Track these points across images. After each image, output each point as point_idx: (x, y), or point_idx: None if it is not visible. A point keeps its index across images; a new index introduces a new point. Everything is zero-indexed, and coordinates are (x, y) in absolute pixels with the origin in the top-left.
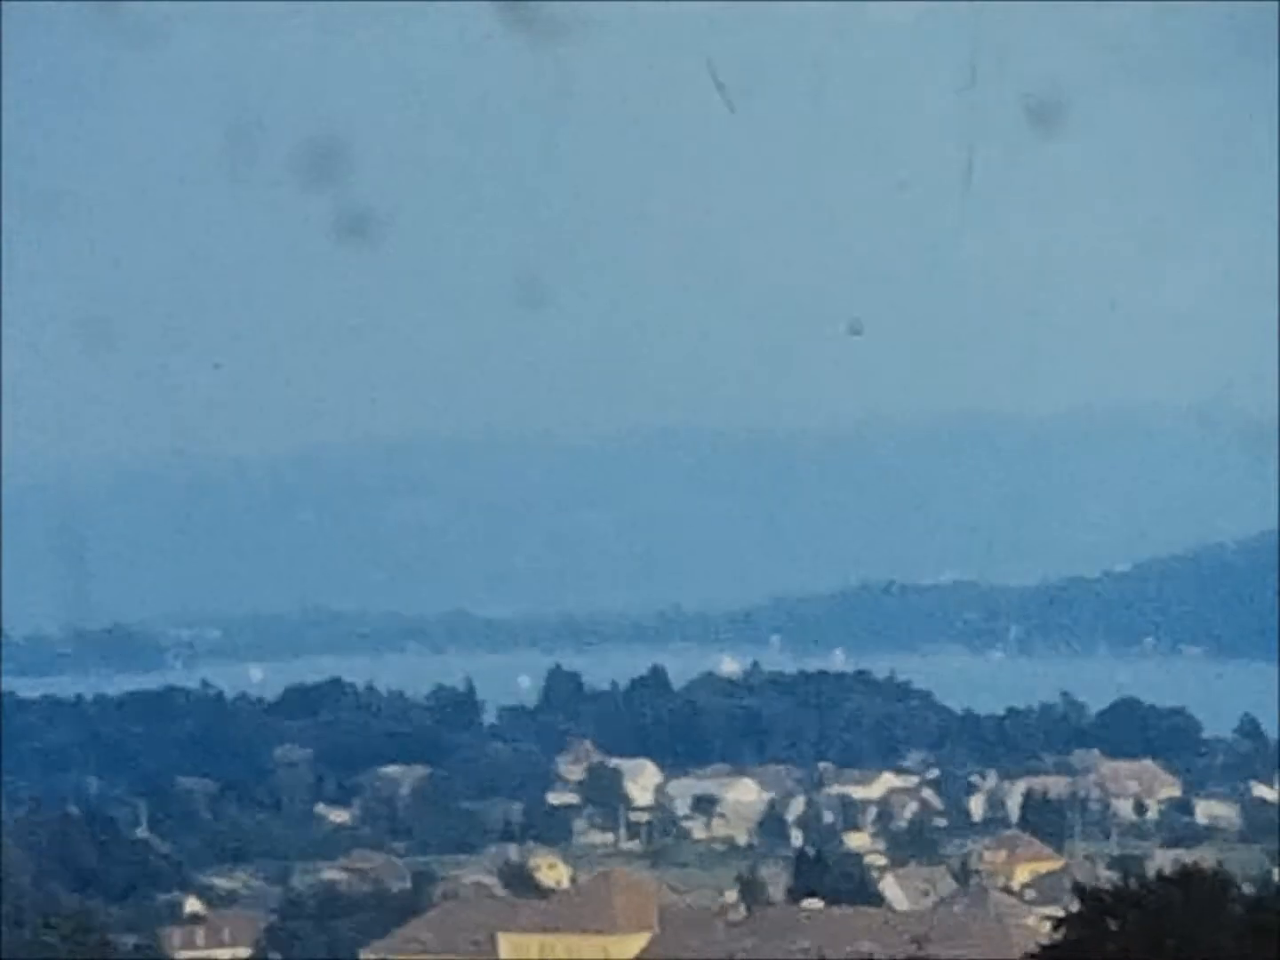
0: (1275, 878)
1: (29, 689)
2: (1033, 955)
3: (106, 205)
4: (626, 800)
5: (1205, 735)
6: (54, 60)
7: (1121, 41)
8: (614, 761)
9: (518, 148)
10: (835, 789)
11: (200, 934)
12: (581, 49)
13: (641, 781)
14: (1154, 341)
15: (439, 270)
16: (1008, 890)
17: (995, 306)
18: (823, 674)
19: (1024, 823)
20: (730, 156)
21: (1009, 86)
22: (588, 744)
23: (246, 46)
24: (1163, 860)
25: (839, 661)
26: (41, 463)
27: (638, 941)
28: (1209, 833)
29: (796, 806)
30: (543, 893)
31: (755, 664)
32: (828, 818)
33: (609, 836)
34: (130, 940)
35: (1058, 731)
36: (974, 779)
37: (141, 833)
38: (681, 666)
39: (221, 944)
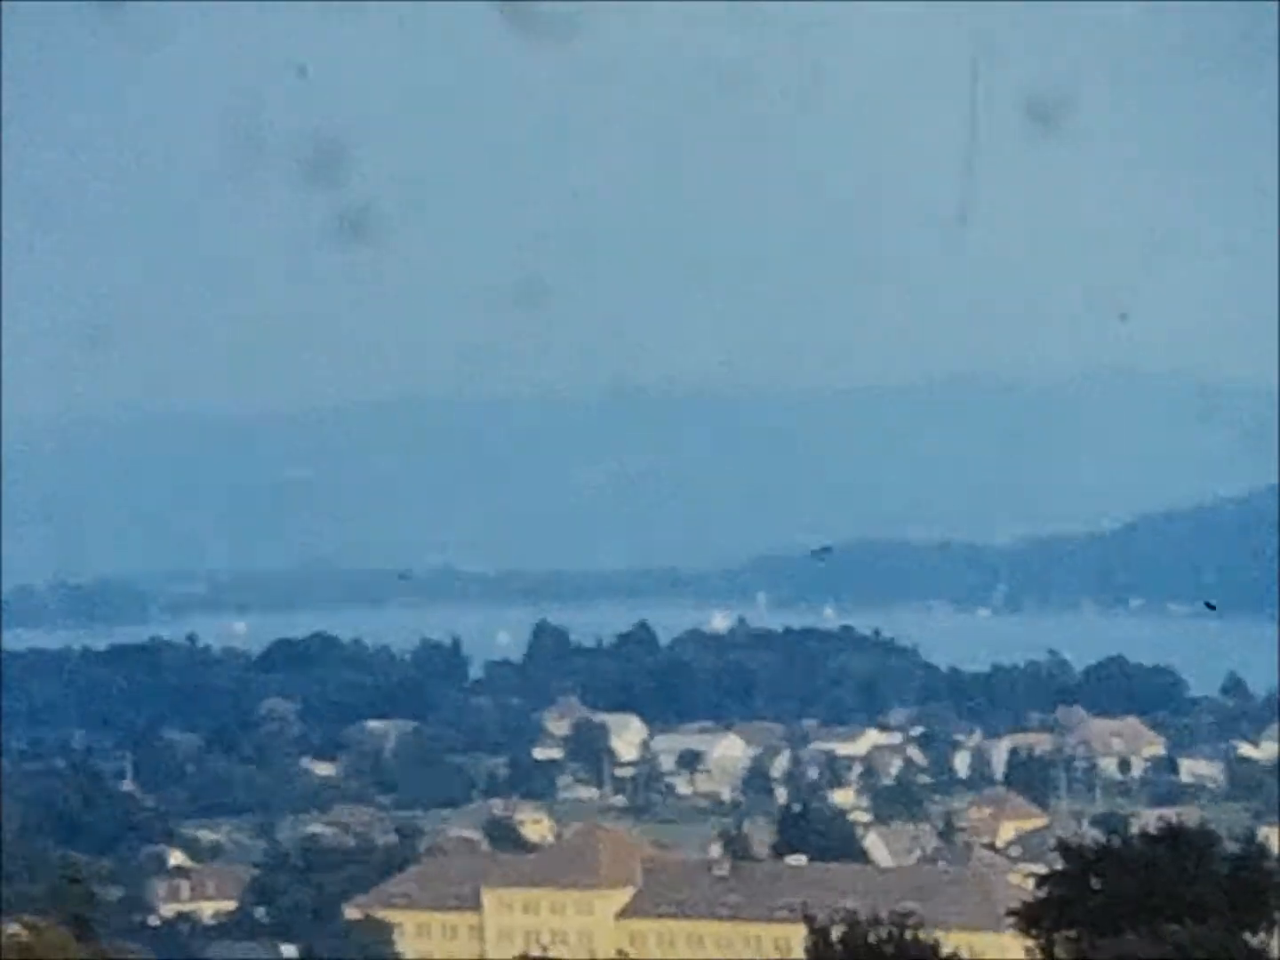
0: (1259, 836)
1: (16, 642)
2: (1016, 911)
3: (107, 205)
4: (611, 756)
5: (1191, 694)
6: (54, 60)
7: (1121, 42)
8: (599, 717)
9: (518, 148)
10: (820, 745)
11: (185, 887)
12: (581, 49)
13: (627, 737)
14: (1155, 326)
15: (439, 270)
16: (992, 847)
17: (993, 284)
18: (809, 631)
19: (1009, 780)
20: (730, 156)
21: (1009, 86)
22: (573, 699)
23: (247, 46)
24: (1147, 818)
25: (826, 619)
26: (34, 419)
27: (622, 896)
28: (1193, 791)
29: (781, 763)
30: (527, 848)
31: (741, 620)
32: (812, 774)
33: (594, 792)
34: (115, 893)
35: (1043, 689)
36: (959, 736)
37: (127, 785)
38: (668, 623)
39: (206, 897)
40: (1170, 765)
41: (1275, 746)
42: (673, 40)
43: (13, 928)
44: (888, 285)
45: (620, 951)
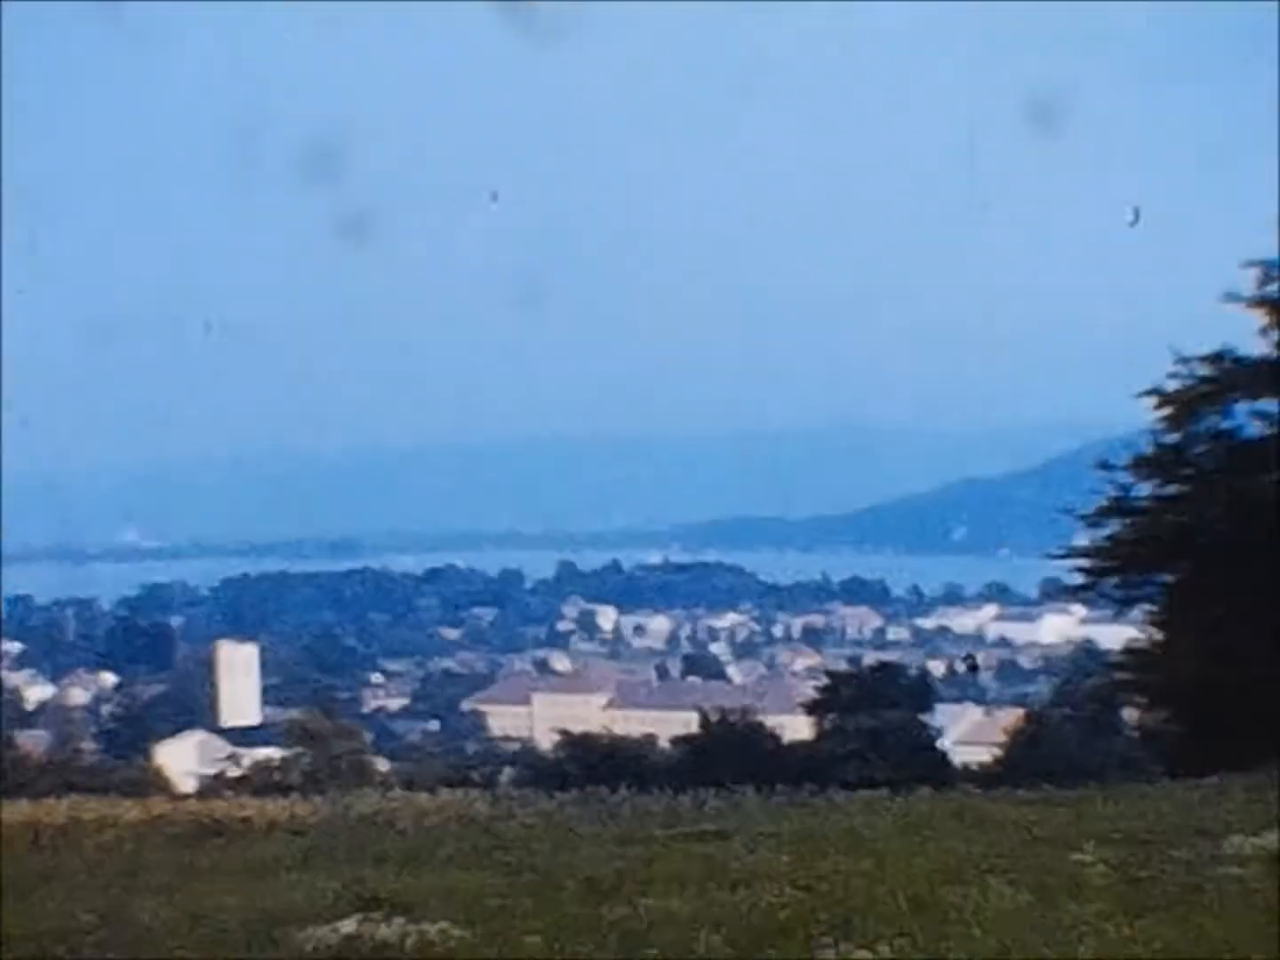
0: (927, 667)
1: (296, 568)
2: (805, 704)
3: (107, 205)
4: (598, 627)
5: (895, 594)
6: (54, 60)
7: (1121, 42)
8: (592, 606)
9: (518, 148)
10: (704, 622)
11: (380, 693)
12: (581, 49)
13: (606, 617)
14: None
15: (439, 270)
16: (793, 674)
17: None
18: (701, 564)
19: (801, 640)
20: (730, 156)
21: (1009, 85)
22: (578, 598)
23: (247, 46)
24: (870, 658)
25: (710, 556)
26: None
27: (604, 698)
28: (894, 645)
29: (685, 630)
30: (555, 673)
31: (666, 558)
32: (701, 636)
33: (590, 645)
34: (345, 695)
35: (817, 593)
36: (776, 616)
37: (350, 642)
38: (629, 559)
39: (391, 698)
40: (883, 632)
41: (936, 622)
42: (673, 41)
43: (294, 713)
44: (888, 286)
45: (604, 727)
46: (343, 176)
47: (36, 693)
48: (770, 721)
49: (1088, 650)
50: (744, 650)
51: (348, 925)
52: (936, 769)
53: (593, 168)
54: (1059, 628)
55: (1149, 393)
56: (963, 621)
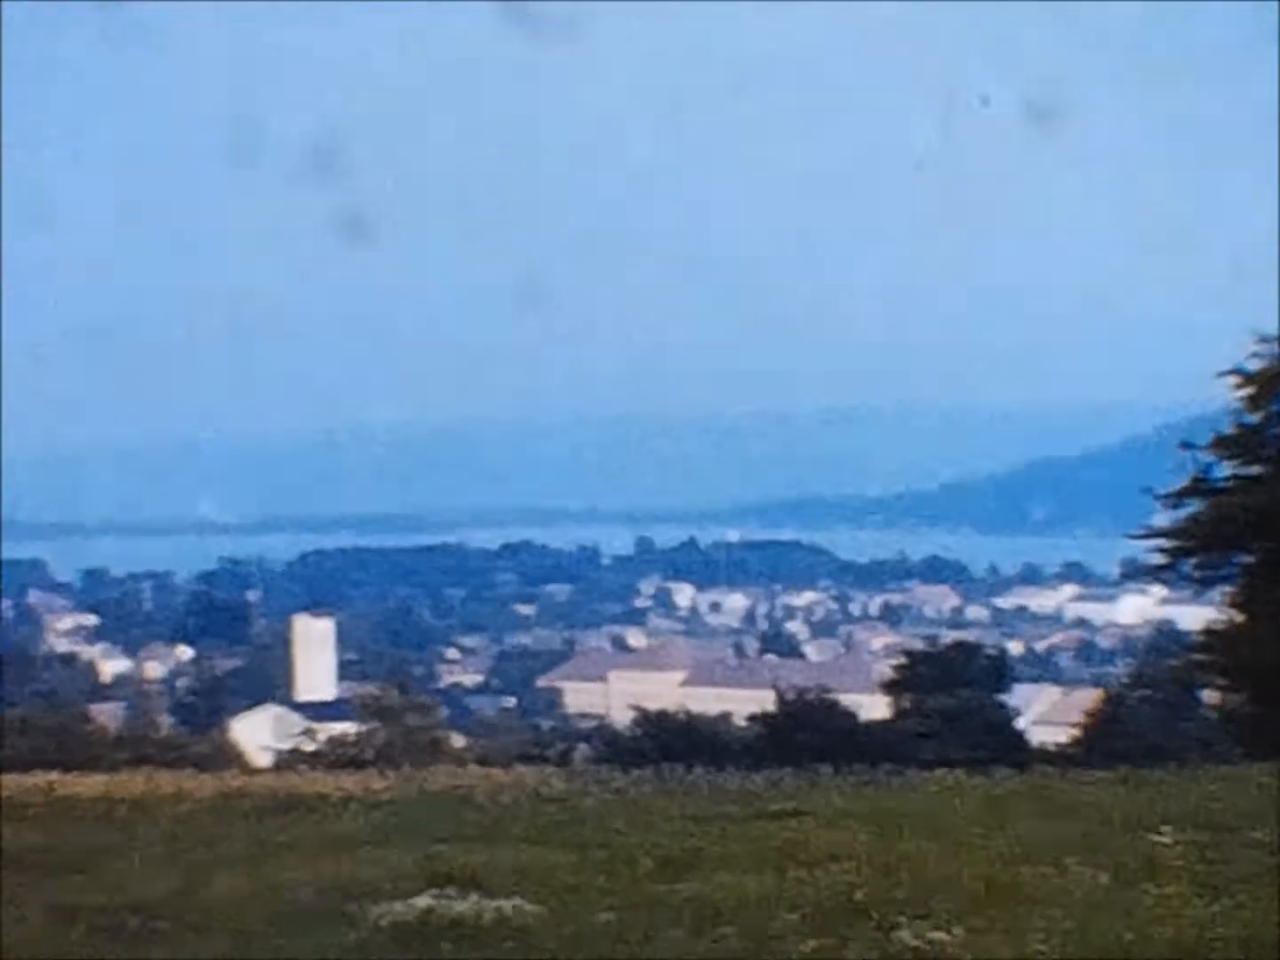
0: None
1: (376, 543)
2: (883, 683)
3: (107, 205)
4: (675, 604)
5: (971, 574)
6: (54, 60)
7: (1121, 42)
8: (669, 583)
9: (517, 147)
10: (781, 599)
11: (455, 668)
12: (581, 49)
13: (683, 594)
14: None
15: (439, 270)
16: (871, 653)
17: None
18: (779, 541)
19: (879, 618)
20: (730, 156)
21: (1010, 85)
22: (656, 574)
23: (247, 46)
24: (948, 636)
25: (787, 534)
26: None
27: (680, 675)
28: (972, 624)
29: (762, 607)
30: (631, 650)
31: (743, 535)
32: (778, 613)
33: (667, 622)
34: (419, 670)
35: (896, 570)
36: (854, 594)
37: (426, 617)
38: (706, 537)
39: (466, 674)
40: (962, 610)
41: (1014, 601)
42: (674, 41)
43: (370, 688)
44: (887, 286)
45: (680, 705)
46: (343, 176)
47: (112, 666)
48: (847, 700)
49: (1166, 631)
50: (821, 628)
51: (422, 900)
52: (1013, 749)
53: (591, 168)
54: (1138, 608)
55: (1230, 372)
56: (1041, 601)
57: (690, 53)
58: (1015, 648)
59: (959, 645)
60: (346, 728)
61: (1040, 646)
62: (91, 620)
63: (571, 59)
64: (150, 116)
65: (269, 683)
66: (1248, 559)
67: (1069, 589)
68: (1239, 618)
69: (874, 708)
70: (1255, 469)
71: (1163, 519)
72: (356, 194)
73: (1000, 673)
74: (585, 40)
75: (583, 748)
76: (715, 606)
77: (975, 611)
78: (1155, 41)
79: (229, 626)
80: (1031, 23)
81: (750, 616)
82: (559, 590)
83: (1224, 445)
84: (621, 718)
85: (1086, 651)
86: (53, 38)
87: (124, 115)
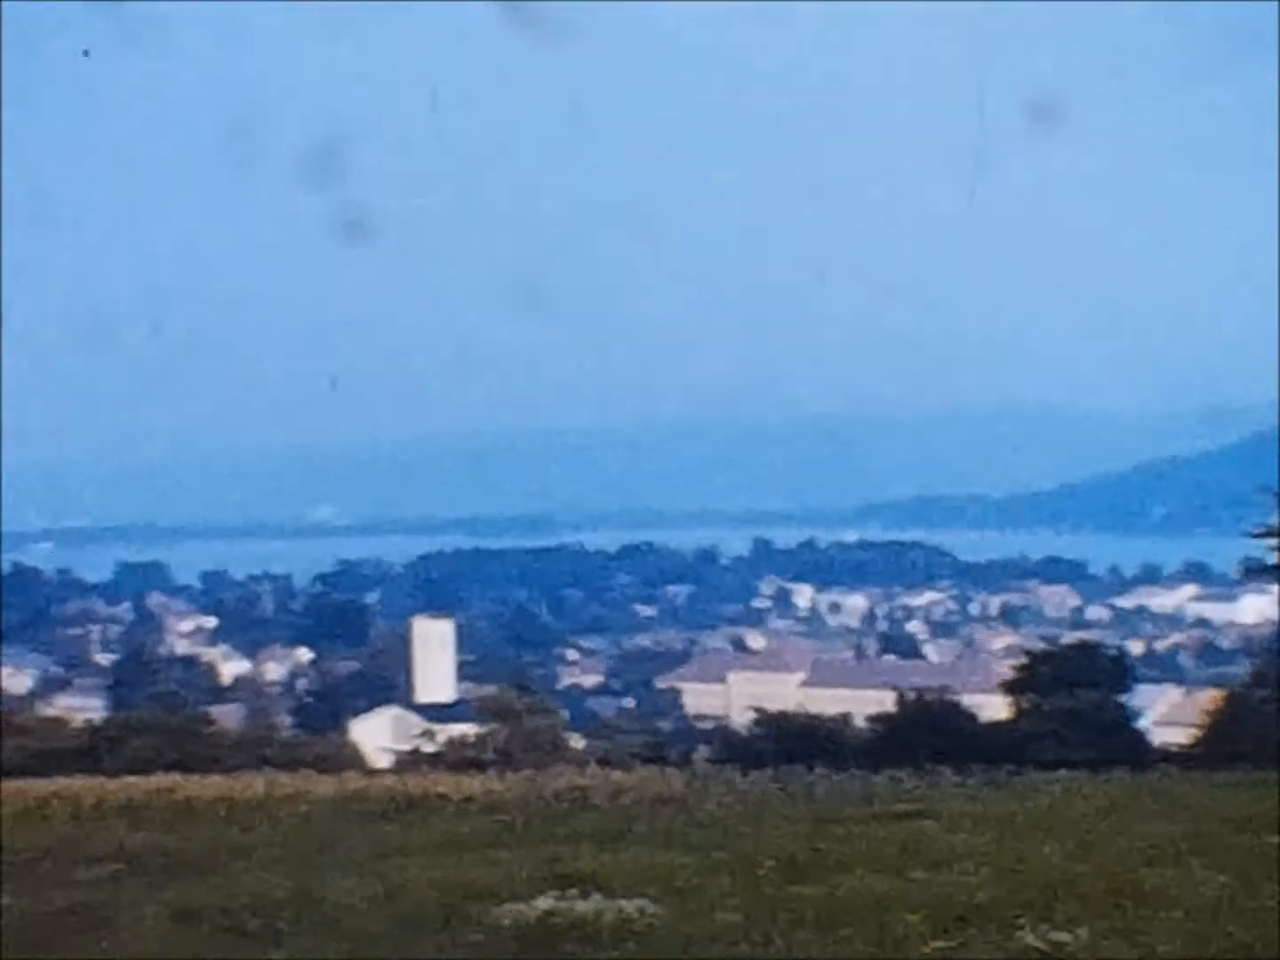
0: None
1: (492, 545)
2: (1003, 683)
3: (107, 205)
4: (794, 605)
5: (1092, 573)
6: (54, 60)
7: (1121, 41)
8: (788, 584)
9: (518, 147)
10: (902, 600)
11: (575, 670)
12: (581, 49)
13: (802, 594)
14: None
15: (439, 270)
16: (991, 653)
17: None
18: (898, 541)
19: (999, 619)
20: (730, 156)
21: (1010, 85)
22: (774, 575)
23: (247, 46)
24: (1069, 637)
25: (907, 534)
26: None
27: (799, 676)
28: (1093, 624)
29: (882, 608)
30: (752, 651)
31: (862, 536)
32: (897, 614)
33: (786, 623)
34: (539, 672)
35: (1014, 570)
36: (973, 594)
37: (545, 617)
38: (825, 538)
39: (586, 674)
40: (1081, 611)
41: (1135, 601)
42: (674, 40)
43: (489, 690)
44: (890, 286)
45: (800, 705)
46: (343, 175)
47: (232, 668)
48: (967, 701)
49: None
50: (941, 629)
51: (544, 902)
52: (1135, 750)
53: (592, 166)
54: (1259, 607)
55: None
56: (1161, 601)
57: (690, 53)
58: (1136, 648)
59: (1079, 645)
60: (466, 729)
61: (1161, 646)
62: (211, 622)
63: (571, 59)
64: (150, 116)
65: (388, 684)
66: None
67: (1189, 588)
68: None
69: (994, 708)
70: None
71: None
72: (356, 194)
73: (1121, 673)
74: (585, 40)
75: (703, 749)
76: (835, 607)
77: (1095, 611)
78: (1155, 41)
79: (348, 628)
80: (1031, 23)
81: (870, 617)
82: (678, 591)
83: None
84: (741, 719)
85: (1207, 651)
86: (53, 38)
87: (124, 115)
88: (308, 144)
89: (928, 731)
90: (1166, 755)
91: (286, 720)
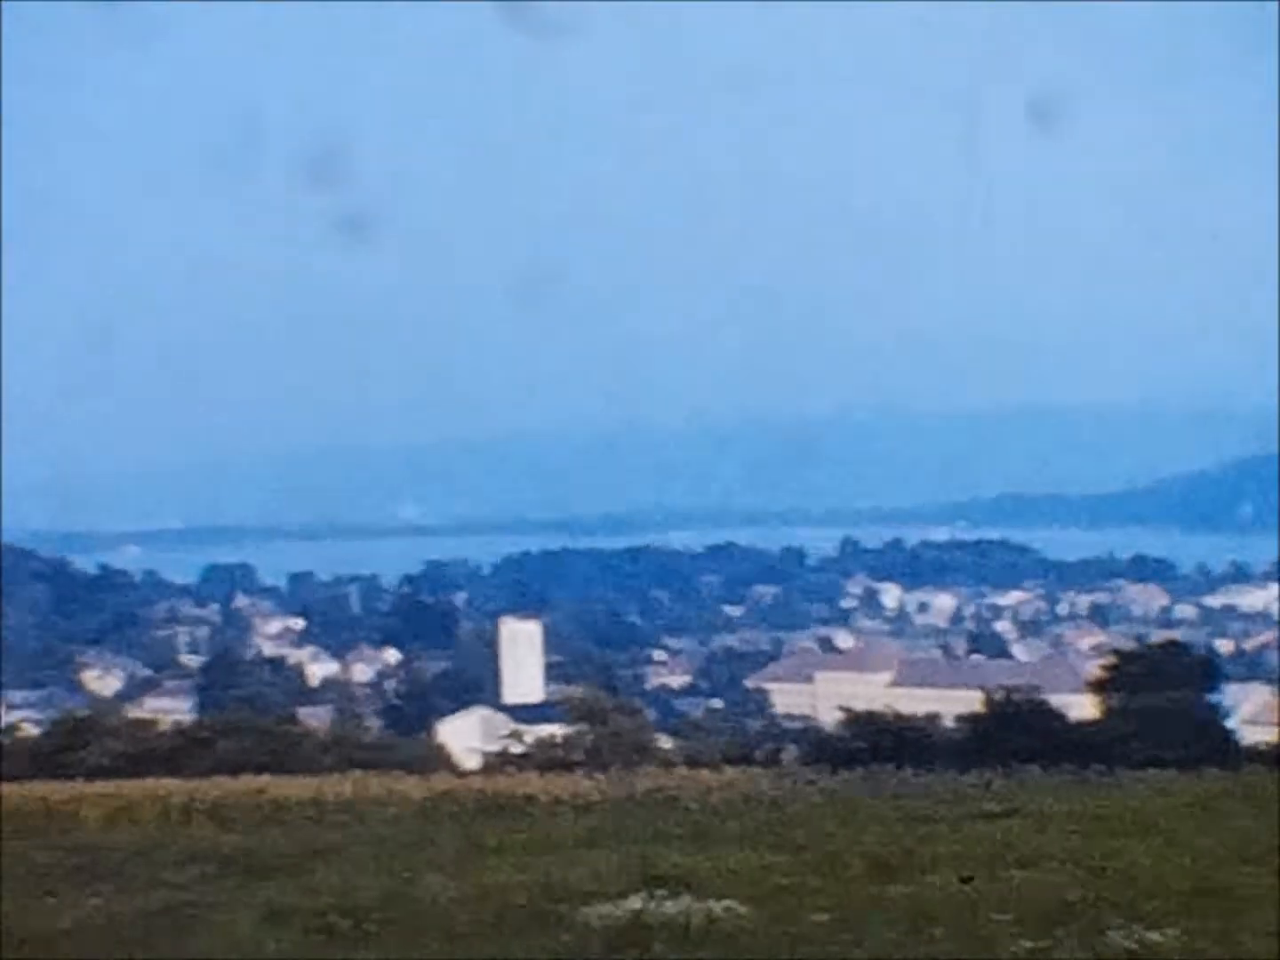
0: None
1: (582, 545)
2: (1090, 683)
3: (107, 205)
4: (882, 605)
5: (1181, 572)
6: (54, 60)
7: (1122, 41)
8: (875, 584)
9: (517, 147)
10: (989, 600)
11: (662, 670)
12: (581, 49)
13: (890, 594)
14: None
15: (439, 270)
16: (1079, 653)
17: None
18: (986, 541)
19: (1086, 618)
20: (730, 156)
21: (1011, 85)
22: (862, 574)
23: (246, 46)
24: (1157, 636)
25: (994, 533)
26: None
27: (887, 676)
28: (1181, 622)
29: (969, 607)
30: (839, 651)
31: (950, 535)
32: (985, 613)
33: (874, 623)
34: (627, 674)
35: (1101, 570)
36: (1061, 594)
37: (633, 618)
38: (912, 537)
39: (673, 675)
40: (1169, 610)
41: (1223, 600)
42: (673, 41)
43: (577, 690)
44: (891, 286)
45: (888, 705)
46: (342, 175)
47: (320, 669)
48: (1055, 700)
49: None
50: (1029, 628)
51: (633, 902)
52: (1223, 749)
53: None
54: None
55: None
56: (1250, 600)
57: (690, 53)
58: (1224, 647)
59: (1168, 644)
60: (554, 730)
61: (1249, 645)
62: (299, 624)
63: (571, 59)
64: (150, 116)
65: (476, 685)
66: None
67: (1277, 587)
68: None
69: (1082, 708)
70: None
71: None
72: (356, 194)
73: (1210, 672)
74: (585, 40)
75: (791, 749)
76: (922, 607)
77: (1184, 610)
78: (1155, 41)
79: (436, 629)
80: (1031, 23)
81: (957, 616)
82: (765, 591)
83: None
84: (829, 719)
85: None
86: (53, 38)
87: (124, 115)
88: (307, 143)
89: (1016, 731)
90: (1255, 754)
91: (375, 721)
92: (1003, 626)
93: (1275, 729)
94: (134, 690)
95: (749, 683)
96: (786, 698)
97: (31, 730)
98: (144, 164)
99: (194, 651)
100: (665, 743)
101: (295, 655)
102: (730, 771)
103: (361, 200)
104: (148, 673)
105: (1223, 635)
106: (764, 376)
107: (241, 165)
